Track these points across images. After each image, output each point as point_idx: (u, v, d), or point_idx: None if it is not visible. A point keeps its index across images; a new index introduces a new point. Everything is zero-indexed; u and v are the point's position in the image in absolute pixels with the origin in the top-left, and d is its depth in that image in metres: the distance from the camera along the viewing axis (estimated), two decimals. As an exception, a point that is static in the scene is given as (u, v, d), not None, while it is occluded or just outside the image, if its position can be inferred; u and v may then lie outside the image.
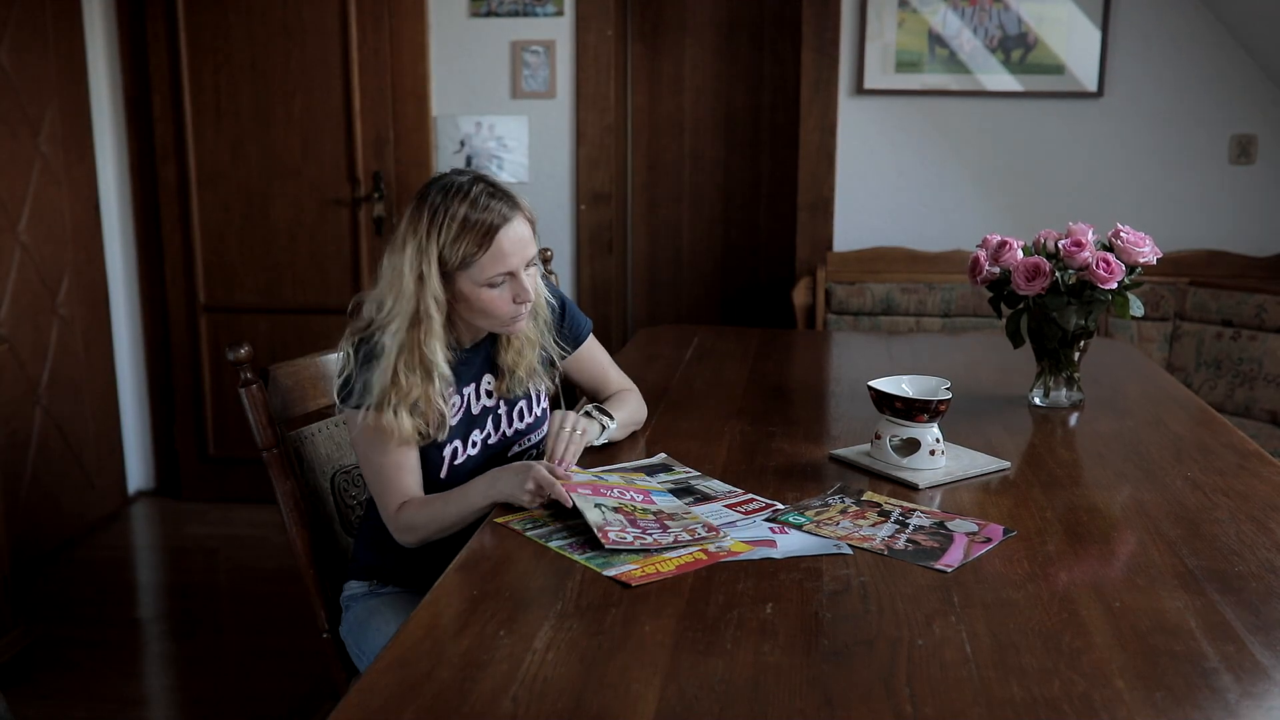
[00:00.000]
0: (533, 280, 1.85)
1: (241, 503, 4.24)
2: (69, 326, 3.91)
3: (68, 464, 3.91)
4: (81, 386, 3.99)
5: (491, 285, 1.79)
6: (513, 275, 1.80)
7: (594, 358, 2.14)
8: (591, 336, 2.13)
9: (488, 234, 1.76)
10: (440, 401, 1.82)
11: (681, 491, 1.80)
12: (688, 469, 1.92)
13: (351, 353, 1.83)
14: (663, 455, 2.00)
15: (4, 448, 3.54)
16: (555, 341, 2.02)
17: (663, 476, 1.87)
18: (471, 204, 1.76)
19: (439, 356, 1.80)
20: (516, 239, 1.79)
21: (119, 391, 4.25)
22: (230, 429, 4.28)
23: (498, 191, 1.80)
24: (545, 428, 2.02)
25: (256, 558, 3.80)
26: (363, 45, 4.04)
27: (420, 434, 1.82)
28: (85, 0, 3.97)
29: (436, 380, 1.81)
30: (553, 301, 2.03)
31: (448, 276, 1.79)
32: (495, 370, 1.95)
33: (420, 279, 1.76)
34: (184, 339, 4.26)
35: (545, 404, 2.03)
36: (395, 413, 1.78)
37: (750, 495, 1.79)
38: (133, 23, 4.09)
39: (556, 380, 2.07)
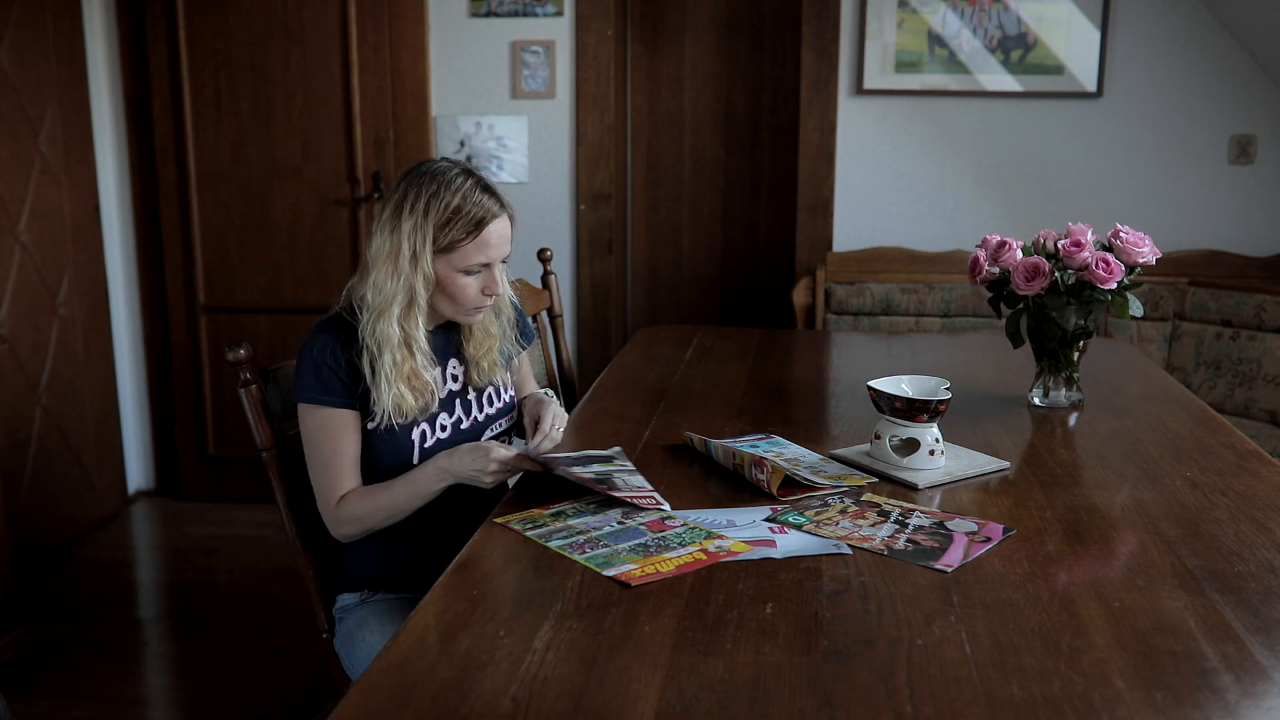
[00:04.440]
0: (503, 277, 1.94)
1: (241, 503, 4.25)
2: (69, 326, 3.91)
3: (68, 464, 3.91)
4: (81, 386, 3.99)
5: (468, 273, 1.87)
6: (488, 267, 1.89)
7: (524, 367, 2.21)
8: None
9: (479, 224, 1.86)
10: (427, 375, 1.89)
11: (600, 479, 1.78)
12: (626, 463, 1.90)
13: (317, 346, 1.86)
14: (617, 448, 1.99)
15: (4, 448, 3.55)
16: (515, 340, 2.09)
17: (596, 468, 1.84)
18: (465, 195, 1.86)
19: (420, 332, 1.87)
20: (501, 234, 1.89)
21: (119, 391, 4.25)
22: (230, 429, 4.28)
23: (489, 188, 1.91)
24: (515, 413, 2.09)
25: (256, 558, 3.80)
26: (363, 45, 4.03)
27: (419, 410, 1.87)
28: (85, 0, 3.97)
29: (418, 355, 1.87)
30: (515, 302, 2.11)
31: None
32: (459, 356, 2.00)
33: (414, 257, 1.83)
34: (184, 339, 4.26)
35: (513, 391, 2.10)
36: (398, 390, 1.84)
37: (651, 493, 1.76)
38: (133, 23, 4.09)
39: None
